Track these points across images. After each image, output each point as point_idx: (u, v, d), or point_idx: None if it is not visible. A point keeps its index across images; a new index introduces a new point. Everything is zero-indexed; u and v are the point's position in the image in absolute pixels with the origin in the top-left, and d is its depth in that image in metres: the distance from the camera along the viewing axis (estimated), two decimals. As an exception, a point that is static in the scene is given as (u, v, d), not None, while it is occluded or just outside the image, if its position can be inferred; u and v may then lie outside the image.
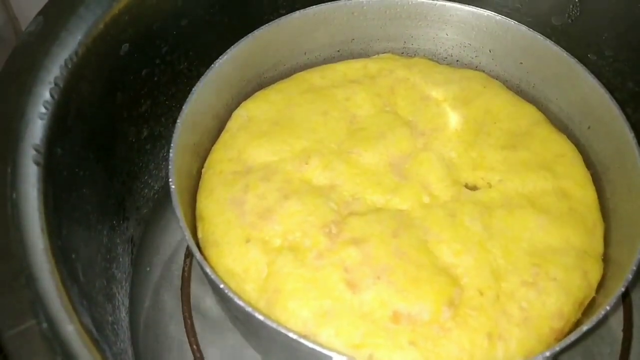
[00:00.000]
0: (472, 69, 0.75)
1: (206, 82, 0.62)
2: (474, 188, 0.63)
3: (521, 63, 0.72)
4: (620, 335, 0.68)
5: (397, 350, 0.51)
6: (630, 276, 0.52)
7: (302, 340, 0.47)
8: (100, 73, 0.60)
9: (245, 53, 0.66)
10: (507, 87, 0.72)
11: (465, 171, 0.64)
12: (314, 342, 0.47)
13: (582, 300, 0.56)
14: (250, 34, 0.66)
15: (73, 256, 0.51)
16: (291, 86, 0.70)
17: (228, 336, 0.67)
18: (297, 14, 0.69)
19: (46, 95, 0.52)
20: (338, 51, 0.75)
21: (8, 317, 0.42)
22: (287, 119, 0.66)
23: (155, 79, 0.68)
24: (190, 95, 0.60)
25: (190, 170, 0.62)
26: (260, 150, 0.63)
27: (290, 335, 0.47)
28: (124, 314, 0.64)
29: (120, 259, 0.66)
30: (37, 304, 0.42)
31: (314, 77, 0.71)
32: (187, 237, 0.53)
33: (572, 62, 0.66)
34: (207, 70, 0.62)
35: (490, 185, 0.63)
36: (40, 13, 0.56)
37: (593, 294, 0.57)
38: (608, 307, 0.50)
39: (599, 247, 0.60)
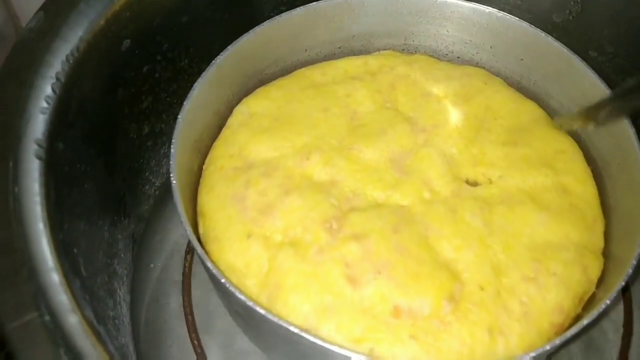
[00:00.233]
0: (473, 65, 0.75)
1: (207, 79, 0.62)
2: (474, 184, 0.63)
3: (522, 59, 0.72)
4: (620, 330, 0.68)
5: (397, 344, 0.51)
6: (630, 270, 0.52)
7: (303, 334, 0.47)
8: (102, 69, 0.60)
9: (246, 49, 0.67)
10: (508, 84, 0.72)
11: (466, 167, 0.64)
12: (315, 336, 0.47)
13: (582, 295, 0.56)
14: (251, 31, 0.66)
15: (75, 250, 0.51)
16: (292, 83, 0.70)
17: (229, 332, 0.68)
18: (298, 10, 0.69)
19: (48, 90, 0.52)
20: (339, 48, 0.75)
21: (10, 310, 0.42)
22: (287, 116, 0.66)
23: (157, 75, 0.68)
24: (191, 91, 0.60)
25: (191, 166, 0.62)
26: (261, 147, 0.63)
27: (292, 329, 0.47)
28: (125, 310, 0.64)
29: (122, 255, 0.66)
30: (39, 297, 0.42)
31: (315, 73, 0.71)
32: (188, 233, 0.53)
33: (573, 58, 0.67)
34: (208, 67, 0.62)
35: (490, 181, 0.63)
36: (41, 9, 0.56)
37: (593, 289, 0.57)
38: (608, 301, 0.50)
39: (599, 243, 0.60)
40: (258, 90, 0.69)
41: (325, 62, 0.73)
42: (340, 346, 0.47)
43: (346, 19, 0.72)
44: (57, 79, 0.53)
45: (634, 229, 0.57)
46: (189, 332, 0.66)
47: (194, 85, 0.61)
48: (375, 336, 0.51)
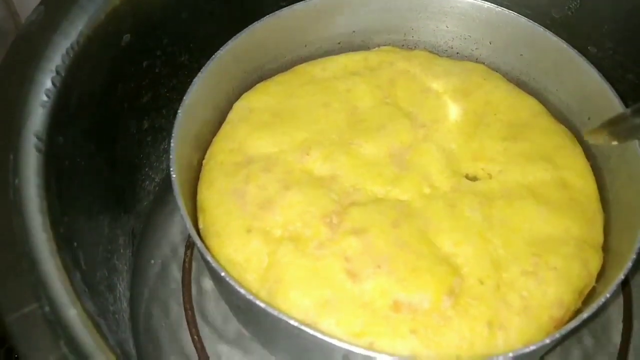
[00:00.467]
0: (472, 61, 0.75)
1: (207, 74, 0.62)
2: (474, 179, 0.63)
3: (521, 55, 0.72)
4: (620, 326, 0.68)
5: (397, 338, 0.51)
6: (630, 264, 0.52)
7: (303, 327, 0.47)
8: (102, 63, 0.60)
9: (246, 45, 0.67)
10: (507, 79, 0.72)
11: (466, 162, 0.64)
12: (315, 329, 0.47)
13: (582, 289, 0.56)
14: (251, 26, 0.66)
15: (74, 244, 0.51)
16: (292, 78, 0.70)
17: (229, 327, 0.68)
18: (298, 5, 0.69)
19: (48, 83, 0.52)
20: (339, 43, 0.75)
21: (10, 301, 0.42)
22: (288, 111, 0.66)
23: (156, 70, 0.68)
24: (191, 86, 0.60)
25: (190, 161, 0.62)
26: (261, 142, 0.63)
27: (291, 322, 0.47)
28: (125, 305, 0.64)
29: (122, 250, 0.66)
30: (39, 288, 0.43)
31: (315, 69, 0.71)
32: (188, 226, 0.53)
33: (573, 53, 0.67)
34: (208, 62, 0.62)
35: (490, 176, 0.63)
36: (41, 3, 0.57)
37: (593, 283, 0.57)
38: (608, 295, 0.51)
39: (599, 237, 0.60)
40: (258, 85, 0.69)
41: (325, 58, 0.73)
42: (340, 339, 0.47)
43: (346, 15, 0.72)
44: (57, 72, 0.53)
45: (633, 223, 0.57)
46: (188, 327, 0.66)
47: (194, 80, 0.61)
48: (375, 330, 0.51)
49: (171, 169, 0.55)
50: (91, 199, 0.59)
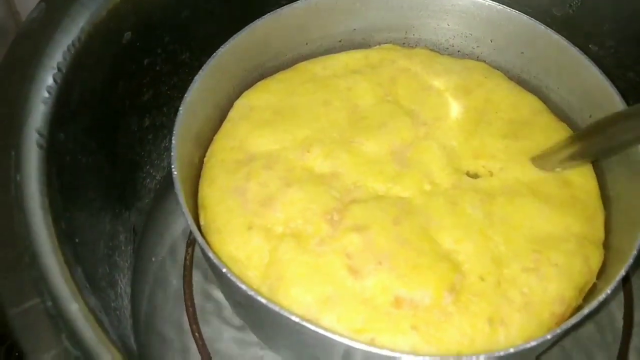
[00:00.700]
0: (473, 59, 0.75)
1: (208, 72, 0.62)
2: (475, 176, 0.63)
3: (522, 53, 0.72)
4: (620, 323, 0.68)
5: (398, 334, 0.51)
6: (631, 261, 0.52)
7: (304, 324, 0.47)
8: (103, 61, 0.60)
9: (247, 43, 0.67)
10: (509, 77, 0.72)
11: (467, 159, 0.64)
12: (316, 325, 0.47)
13: (583, 285, 0.56)
14: (251, 24, 0.66)
15: (76, 240, 0.51)
16: (293, 76, 0.70)
17: (230, 324, 0.68)
18: (299, 3, 0.69)
19: (49, 80, 0.52)
20: (339, 41, 0.75)
21: (12, 295, 0.42)
22: (289, 109, 0.66)
23: (157, 68, 0.68)
24: (192, 84, 0.60)
25: (191, 159, 0.62)
26: (262, 139, 0.63)
27: (293, 318, 0.47)
28: (126, 302, 0.64)
29: (123, 247, 0.66)
30: (41, 283, 0.43)
31: (316, 67, 0.71)
32: (189, 223, 0.53)
33: (574, 51, 0.67)
34: (209, 60, 0.62)
35: (491, 174, 0.63)
36: (42, 0, 0.57)
37: (594, 279, 0.57)
38: (609, 291, 0.51)
39: (600, 234, 0.60)
40: (259, 83, 0.69)
41: (326, 56, 0.73)
42: (342, 335, 0.47)
43: (347, 13, 0.72)
44: (59, 69, 0.53)
45: (634, 220, 0.57)
46: (190, 324, 0.66)
47: (195, 78, 0.61)
48: (376, 326, 0.51)
49: (172, 167, 0.55)
50: (92, 196, 0.59)
